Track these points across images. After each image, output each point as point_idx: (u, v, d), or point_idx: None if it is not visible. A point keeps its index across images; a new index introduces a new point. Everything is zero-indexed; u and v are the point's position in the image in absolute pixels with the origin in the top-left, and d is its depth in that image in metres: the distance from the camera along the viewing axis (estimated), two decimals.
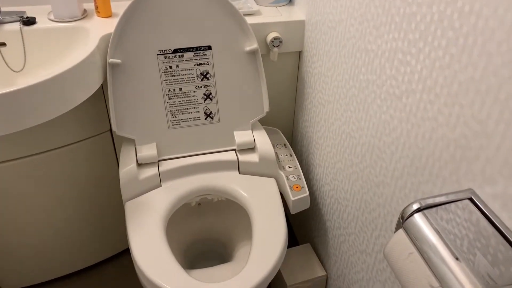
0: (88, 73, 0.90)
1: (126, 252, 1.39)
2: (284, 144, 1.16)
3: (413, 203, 0.52)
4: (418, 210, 0.51)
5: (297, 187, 1.04)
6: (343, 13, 0.85)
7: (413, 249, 0.50)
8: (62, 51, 1.01)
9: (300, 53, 1.15)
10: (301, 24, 1.09)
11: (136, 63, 0.98)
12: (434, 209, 0.51)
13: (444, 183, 0.59)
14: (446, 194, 0.52)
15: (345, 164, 0.93)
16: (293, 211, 1.03)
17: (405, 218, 0.51)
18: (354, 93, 0.84)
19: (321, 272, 1.12)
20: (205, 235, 1.22)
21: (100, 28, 1.00)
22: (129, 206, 1.00)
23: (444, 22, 0.55)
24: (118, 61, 0.95)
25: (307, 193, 1.03)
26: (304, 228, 1.31)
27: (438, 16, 0.56)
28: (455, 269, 0.45)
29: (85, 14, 1.07)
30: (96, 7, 1.06)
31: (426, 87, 0.61)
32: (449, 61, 0.55)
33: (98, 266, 1.36)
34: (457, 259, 0.46)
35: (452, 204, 0.51)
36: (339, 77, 0.90)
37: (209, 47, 1.01)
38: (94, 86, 0.94)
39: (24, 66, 1.01)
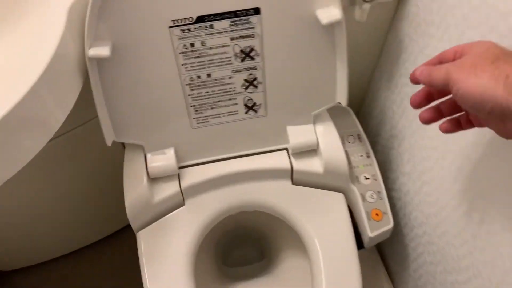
0: (58, 81, 0.52)
1: (123, 230, 1.15)
2: (358, 135, 0.80)
3: None
4: None
5: (377, 214, 0.73)
6: None
7: None
8: (3, 38, 0.58)
9: (398, 3, 0.71)
10: None
11: (136, 45, 0.58)
12: None
13: None
14: None
15: (467, 207, 0.61)
16: (368, 245, 0.75)
17: None
18: None
19: None
20: (242, 223, 0.96)
21: None
22: (143, 237, 0.73)
23: None
24: (106, 53, 0.55)
25: (392, 224, 0.73)
26: None
27: None
28: None
29: None
30: None
31: None
32: None
33: (95, 246, 1.14)
34: None
35: None
36: None
37: (257, 11, 0.59)
38: (71, 96, 0.55)
39: None
